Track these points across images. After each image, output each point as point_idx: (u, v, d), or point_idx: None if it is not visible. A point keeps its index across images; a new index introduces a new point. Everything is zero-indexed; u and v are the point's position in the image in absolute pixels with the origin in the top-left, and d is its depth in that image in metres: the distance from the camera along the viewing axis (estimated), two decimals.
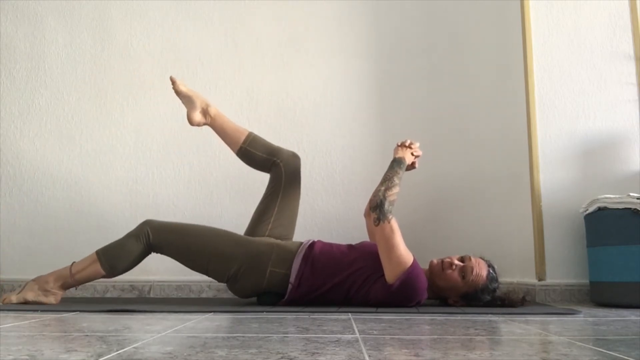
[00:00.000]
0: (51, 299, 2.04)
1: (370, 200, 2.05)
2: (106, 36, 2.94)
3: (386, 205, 1.96)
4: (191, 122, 2.26)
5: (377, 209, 1.95)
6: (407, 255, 1.92)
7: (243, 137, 2.25)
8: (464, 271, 1.96)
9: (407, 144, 2.19)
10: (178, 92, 2.27)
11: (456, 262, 1.98)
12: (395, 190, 2.01)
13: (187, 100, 2.27)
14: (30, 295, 2.03)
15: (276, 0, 2.91)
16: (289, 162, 2.25)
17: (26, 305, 1.98)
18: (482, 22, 2.81)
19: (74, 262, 2.10)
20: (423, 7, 2.86)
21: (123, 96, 2.89)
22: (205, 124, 2.29)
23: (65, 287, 2.08)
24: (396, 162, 2.10)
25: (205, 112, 2.27)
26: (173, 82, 2.25)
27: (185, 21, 2.92)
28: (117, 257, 2.05)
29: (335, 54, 2.85)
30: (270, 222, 2.21)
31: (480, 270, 1.97)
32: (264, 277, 2.01)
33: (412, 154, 2.17)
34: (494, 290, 1.99)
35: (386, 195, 1.98)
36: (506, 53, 2.70)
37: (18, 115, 2.91)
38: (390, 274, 1.91)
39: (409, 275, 1.88)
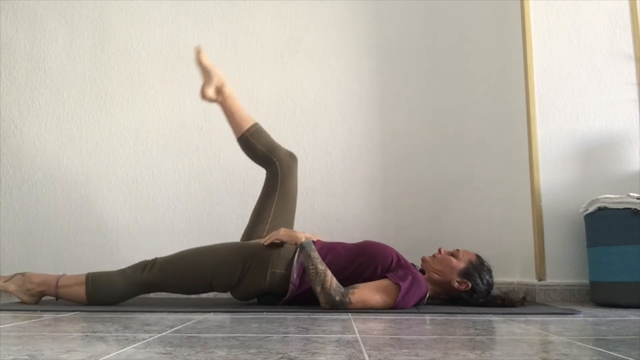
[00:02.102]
0: (28, 299, 2.04)
1: (323, 306, 1.87)
2: (106, 36, 2.94)
3: (337, 299, 1.83)
4: (203, 95, 2.25)
5: (335, 307, 1.84)
6: (384, 297, 1.86)
7: (247, 126, 2.24)
8: (452, 253, 2.10)
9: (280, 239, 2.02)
10: (200, 63, 2.24)
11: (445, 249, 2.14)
12: (327, 276, 1.87)
13: (205, 73, 2.25)
14: (12, 288, 2.03)
15: (276, 0, 2.91)
16: (285, 162, 2.23)
17: (26, 305, 1.99)
18: (482, 22, 2.81)
19: (64, 274, 2.07)
20: (423, 7, 2.86)
21: (123, 96, 2.89)
22: (215, 100, 2.27)
23: (45, 294, 2.05)
24: (304, 251, 1.94)
25: (219, 90, 2.25)
26: (198, 52, 2.24)
27: (185, 21, 2.92)
28: (103, 291, 2.00)
29: (335, 54, 2.85)
30: (267, 222, 2.21)
31: (467, 252, 2.11)
32: (265, 279, 2.00)
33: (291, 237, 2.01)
34: (489, 269, 2.08)
35: (326, 294, 1.85)
36: (506, 53, 2.70)
37: (18, 115, 2.91)
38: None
39: (401, 300, 1.86)
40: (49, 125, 2.89)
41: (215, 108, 2.84)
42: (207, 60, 2.23)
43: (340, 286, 1.87)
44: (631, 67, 2.41)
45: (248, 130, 2.24)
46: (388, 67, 2.84)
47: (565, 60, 2.44)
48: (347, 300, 1.84)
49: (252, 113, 2.82)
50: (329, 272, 1.89)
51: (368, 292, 1.87)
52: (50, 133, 2.88)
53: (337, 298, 1.84)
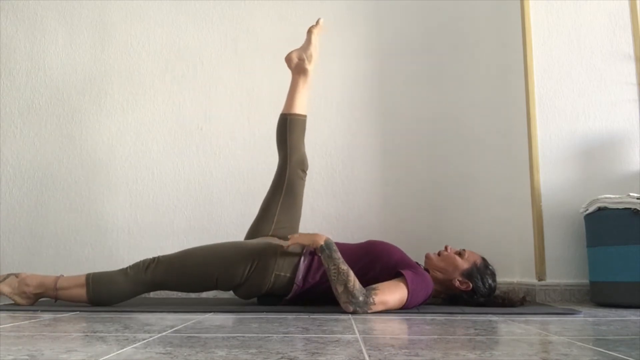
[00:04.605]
0: (24, 302, 2.00)
1: (345, 307, 1.81)
2: (106, 36, 2.94)
3: (361, 299, 1.79)
4: (289, 54, 2.35)
5: (357, 307, 1.79)
6: (401, 296, 1.85)
7: (297, 111, 2.29)
8: (459, 252, 2.10)
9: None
10: (311, 31, 2.35)
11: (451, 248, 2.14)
12: (350, 275, 1.83)
13: (307, 42, 2.35)
14: (6, 290, 1.98)
15: (276, 0, 2.91)
16: (295, 167, 2.25)
17: (25, 306, 1.98)
18: (482, 22, 2.81)
19: (62, 275, 2.04)
20: (423, 7, 2.86)
21: (123, 96, 2.89)
22: (290, 68, 2.34)
23: (43, 296, 2.02)
24: (325, 253, 1.89)
25: (301, 65, 2.31)
26: (319, 25, 2.35)
27: (185, 21, 2.92)
28: (106, 292, 1.97)
29: (335, 54, 2.85)
30: (273, 221, 2.22)
31: (473, 254, 2.11)
32: (268, 281, 1.99)
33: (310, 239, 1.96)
34: (493, 274, 2.07)
35: (349, 294, 1.80)
36: (506, 53, 2.70)
37: (18, 115, 2.91)
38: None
39: (410, 300, 1.86)
40: (49, 125, 2.89)
41: (216, 108, 2.86)
42: (317, 37, 2.35)
43: (362, 287, 1.84)
44: (631, 67, 2.41)
45: (294, 114, 2.29)
46: (388, 67, 2.84)
47: (565, 60, 2.44)
48: (371, 300, 1.80)
49: (252, 113, 2.86)
50: (351, 272, 1.85)
51: (388, 292, 1.83)
52: (50, 133, 2.88)
53: (361, 298, 1.80)
